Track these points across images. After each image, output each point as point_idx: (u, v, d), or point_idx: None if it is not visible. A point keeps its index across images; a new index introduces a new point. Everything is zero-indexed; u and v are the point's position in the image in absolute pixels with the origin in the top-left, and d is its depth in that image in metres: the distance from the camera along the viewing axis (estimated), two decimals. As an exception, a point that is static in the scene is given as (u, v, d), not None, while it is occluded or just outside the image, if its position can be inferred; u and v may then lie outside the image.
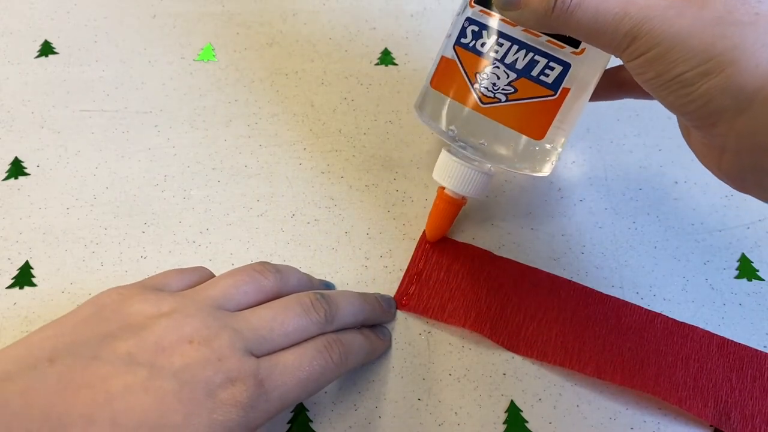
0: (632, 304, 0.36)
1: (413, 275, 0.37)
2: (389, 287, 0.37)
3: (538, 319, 0.36)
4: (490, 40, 0.31)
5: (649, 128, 0.44)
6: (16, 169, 0.42)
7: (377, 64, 0.48)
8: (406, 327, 0.36)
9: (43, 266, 0.38)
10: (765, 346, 0.35)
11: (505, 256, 0.38)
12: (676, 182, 0.41)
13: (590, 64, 0.31)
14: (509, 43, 0.31)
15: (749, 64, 0.23)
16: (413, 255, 0.38)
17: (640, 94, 0.34)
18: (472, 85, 0.32)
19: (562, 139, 0.33)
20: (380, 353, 0.35)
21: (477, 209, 0.40)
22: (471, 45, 0.32)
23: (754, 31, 0.24)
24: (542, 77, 0.31)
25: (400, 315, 0.36)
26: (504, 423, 0.33)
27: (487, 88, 0.32)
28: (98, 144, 0.43)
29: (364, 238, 0.39)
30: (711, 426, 0.33)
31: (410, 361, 0.35)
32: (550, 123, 0.32)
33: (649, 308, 0.36)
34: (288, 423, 0.33)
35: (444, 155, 0.35)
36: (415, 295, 0.37)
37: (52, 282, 0.38)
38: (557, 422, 0.33)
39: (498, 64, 0.31)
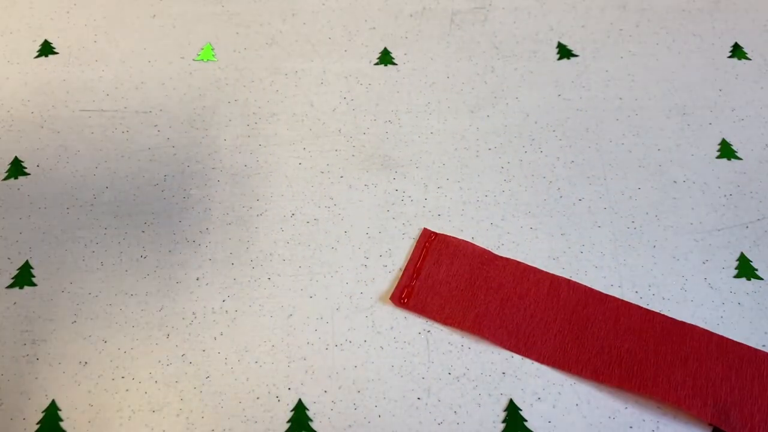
0: (631, 303, 0.36)
1: (412, 273, 0.37)
2: (388, 286, 0.37)
3: (537, 319, 0.36)
4: None
5: (648, 128, 0.44)
6: (16, 169, 0.42)
7: (376, 63, 0.48)
8: (406, 326, 0.36)
9: (43, 266, 0.38)
10: (764, 345, 0.35)
11: (504, 255, 0.38)
12: (675, 181, 0.41)
13: None
14: None
15: None
16: (412, 253, 0.38)
17: None
18: None
19: None
20: None
21: (477, 209, 0.40)
22: None
23: None
24: None
25: (400, 314, 0.36)
26: (503, 422, 0.33)
27: None
28: (98, 144, 0.43)
29: (364, 238, 0.39)
30: (710, 425, 0.33)
31: (410, 360, 0.35)
32: None
33: (648, 307, 0.36)
34: (288, 422, 0.33)
35: None
36: (413, 293, 0.37)
37: (52, 282, 0.38)
38: (556, 421, 0.33)
39: None
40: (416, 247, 0.38)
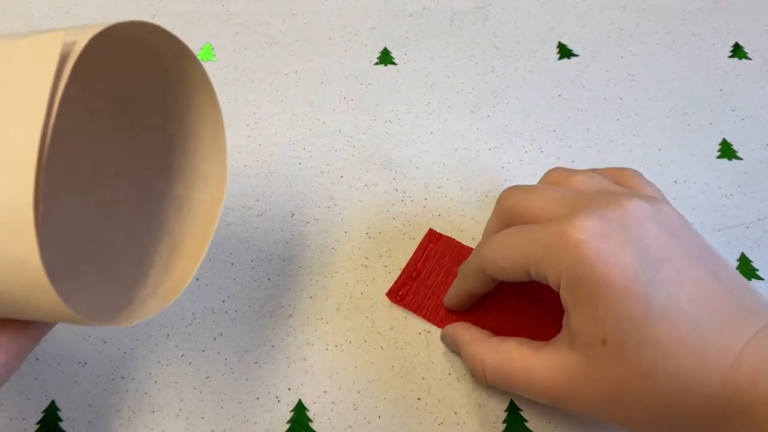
0: None
1: (412, 272, 0.37)
2: (389, 287, 0.37)
3: (538, 324, 0.35)
4: None
5: (648, 128, 0.44)
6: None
7: (376, 63, 0.48)
8: (406, 326, 0.36)
9: (42, 266, 0.38)
10: (764, 346, 0.35)
11: (504, 255, 0.38)
12: (676, 182, 0.41)
13: None
14: None
15: None
16: (415, 252, 0.38)
17: None
18: None
19: None
20: None
21: (476, 209, 0.40)
22: None
23: None
24: None
25: (400, 314, 0.36)
26: (504, 422, 0.33)
27: None
28: (98, 144, 0.43)
29: (364, 238, 0.39)
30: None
31: (410, 360, 0.35)
32: None
33: (648, 307, 0.36)
34: (288, 423, 0.33)
35: None
36: (411, 291, 0.37)
37: (52, 282, 0.38)
38: (557, 421, 0.33)
39: None
40: (419, 247, 0.38)
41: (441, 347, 0.35)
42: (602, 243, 0.26)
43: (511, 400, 0.34)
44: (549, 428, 0.33)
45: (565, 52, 0.48)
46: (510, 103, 0.45)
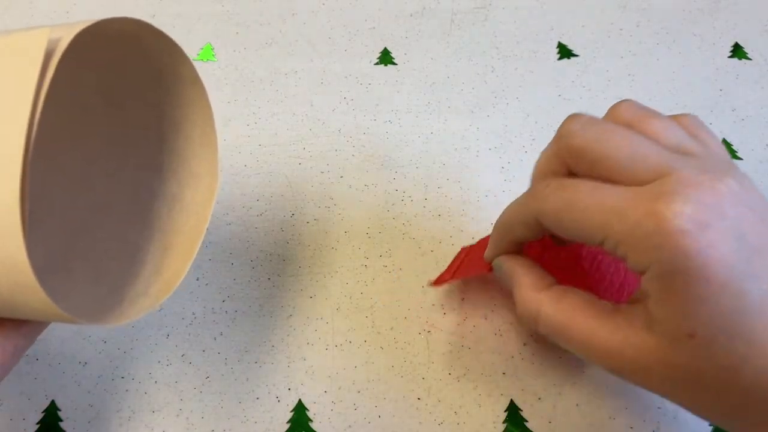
0: None
1: (455, 265, 0.36)
2: (389, 287, 0.37)
3: (609, 281, 0.33)
4: None
5: (648, 128, 0.44)
6: None
7: (377, 63, 0.48)
8: (406, 326, 0.36)
9: (42, 266, 0.38)
10: (764, 346, 0.35)
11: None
12: (676, 182, 0.41)
13: None
14: None
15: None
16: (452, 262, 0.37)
17: None
18: None
19: None
20: None
21: (476, 209, 0.40)
22: None
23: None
24: None
25: (400, 314, 0.36)
26: (504, 422, 0.33)
27: None
28: (98, 144, 0.43)
29: (364, 238, 0.39)
30: (711, 425, 0.33)
31: (410, 360, 0.35)
32: None
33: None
34: (288, 423, 0.33)
35: None
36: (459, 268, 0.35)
37: (52, 282, 0.38)
38: (557, 421, 0.33)
39: None
40: (455, 258, 0.37)
41: (441, 347, 0.35)
42: (702, 234, 0.24)
43: (511, 400, 0.34)
44: (549, 428, 0.33)
45: (565, 52, 0.48)
46: (510, 103, 0.45)
